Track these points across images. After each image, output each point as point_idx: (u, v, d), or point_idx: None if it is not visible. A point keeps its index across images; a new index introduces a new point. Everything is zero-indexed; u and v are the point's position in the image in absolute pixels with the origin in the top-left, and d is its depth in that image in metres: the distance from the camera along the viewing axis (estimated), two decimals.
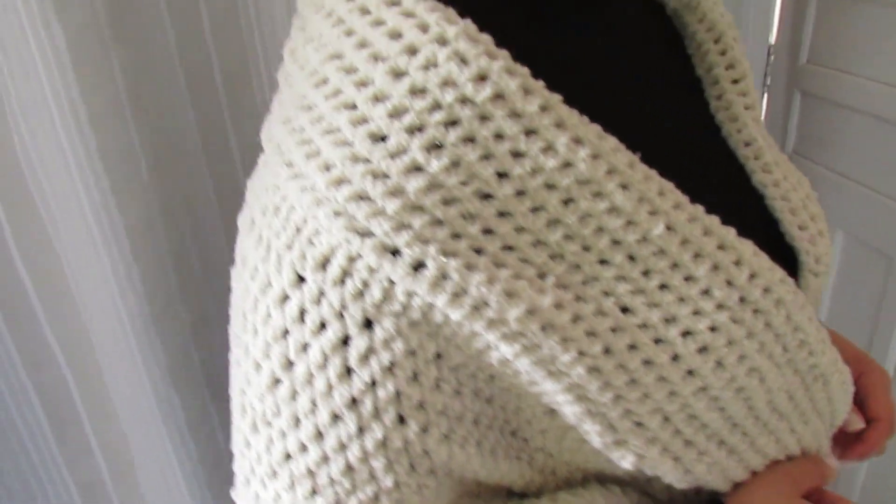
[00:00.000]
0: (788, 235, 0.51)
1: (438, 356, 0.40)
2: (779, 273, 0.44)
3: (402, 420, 0.40)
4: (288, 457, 0.42)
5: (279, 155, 0.41)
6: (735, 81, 0.54)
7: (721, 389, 0.43)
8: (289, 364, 0.40)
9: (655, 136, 0.45)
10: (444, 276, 0.37)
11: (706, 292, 0.42)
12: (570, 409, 0.41)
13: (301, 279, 0.39)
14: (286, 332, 0.40)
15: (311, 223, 0.38)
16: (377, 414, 0.40)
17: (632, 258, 0.41)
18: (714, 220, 0.43)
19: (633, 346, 0.40)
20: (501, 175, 0.38)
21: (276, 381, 0.41)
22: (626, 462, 0.43)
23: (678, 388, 0.41)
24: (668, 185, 0.42)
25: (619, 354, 0.40)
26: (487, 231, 0.38)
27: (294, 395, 0.40)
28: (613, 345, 0.40)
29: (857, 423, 0.57)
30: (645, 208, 0.40)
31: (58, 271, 0.70)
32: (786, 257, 0.51)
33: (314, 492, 0.42)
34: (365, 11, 0.40)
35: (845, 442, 0.58)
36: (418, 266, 0.37)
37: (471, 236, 0.38)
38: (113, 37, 0.70)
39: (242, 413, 0.44)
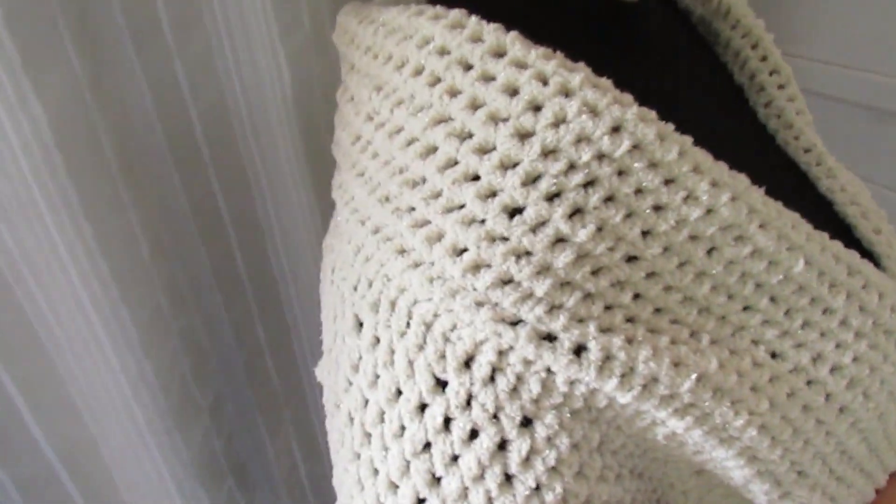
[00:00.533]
0: (865, 241, 0.49)
1: (601, 444, 0.36)
2: (892, 284, 0.43)
3: None
4: None
5: (383, 241, 0.36)
6: (781, 87, 0.52)
7: (868, 421, 0.41)
8: (435, 481, 0.35)
9: (736, 158, 0.42)
10: (608, 357, 0.33)
11: (844, 323, 0.40)
12: (739, 473, 0.38)
13: (441, 383, 0.34)
14: (428, 445, 0.35)
15: (445, 318, 0.34)
16: None
17: (773, 300, 0.38)
18: (839, 246, 0.41)
19: (791, 395, 0.38)
20: (646, 233, 0.35)
21: (420, 502, 0.36)
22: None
23: (833, 428, 0.39)
24: (796, 216, 0.40)
25: (782, 406, 0.37)
26: (637, 296, 0.35)
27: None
28: (776, 397, 0.37)
29: None
30: (784, 246, 0.38)
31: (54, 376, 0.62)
32: None
33: None
34: (467, 66, 0.36)
35: None
36: (579, 350, 0.33)
37: (624, 306, 0.34)
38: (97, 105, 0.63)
39: None
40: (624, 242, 0.34)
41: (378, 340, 0.36)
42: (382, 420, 0.36)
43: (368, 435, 0.37)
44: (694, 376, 0.34)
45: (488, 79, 0.35)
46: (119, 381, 0.67)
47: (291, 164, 0.74)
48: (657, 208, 0.35)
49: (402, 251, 0.35)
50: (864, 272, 0.41)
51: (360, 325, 0.37)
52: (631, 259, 0.35)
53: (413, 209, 0.35)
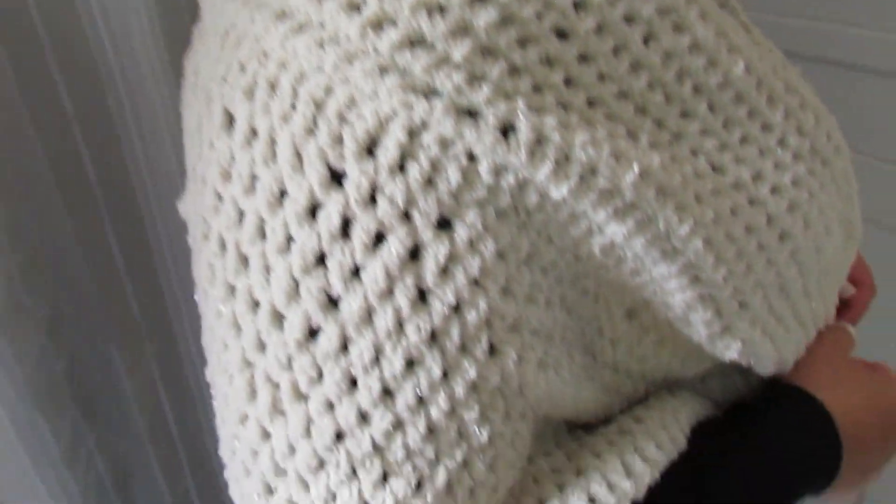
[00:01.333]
0: None
1: (529, 256, 0.30)
2: (833, 119, 0.40)
3: (494, 351, 0.30)
4: (340, 436, 0.29)
5: (257, 8, 0.29)
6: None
7: (807, 252, 0.38)
8: (331, 303, 0.28)
9: None
10: (540, 138, 0.27)
11: (782, 142, 0.37)
12: (681, 297, 0.34)
13: (337, 175, 0.27)
14: (323, 257, 0.28)
15: (340, 91, 0.27)
16: (466, 348, 0.29)
17: (712, 108, 0.34)
18: (779, 57, 0.38)
19: (734, 211, 0.33)
20: (578, 4, 0.29)
21: (314, 333, 0.29)
22: (731, 351, 0.37)
23: (774, 256, 0.36)
24: (733, 21, 0.36)
25: (726, 221, 0.33)
26: (569, 82, 0.29)
27: (345, 344, 0.28)
28: (720, 209, 0.33)
29: (850, 289, 0.56)
30: (724, 45, 0.34)
31: None
32: None
33: (385, 476, 0.30)
34: None
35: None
36: (506, 130, 0.27)
37: (554, 87, 0.29)
38: None
39: (250, 397, 0.31)
40: (554, 10, 0.29)
41: (255, 133, 0.29)
42: (263, 234, 0.29)
43: (245, 258, 0.30)
44: (636, 168, 0.29)
45: None
46: None
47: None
48: None
49: (283, 14, 0.28)
50: (801, 92, 0.39)
51: (232, 119, 0.30)
52: (561, 34, 0.29)
53: None
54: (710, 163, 0.34)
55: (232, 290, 0.30)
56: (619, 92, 0.31)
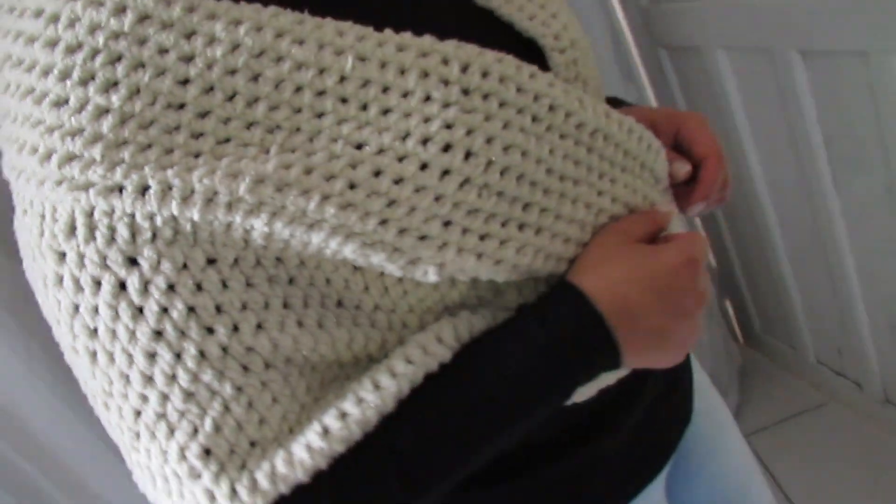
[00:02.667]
0: (522, 30, 0.54)
1: (211, 261, 0.42)
2: (490, 56, 0.46)
3: (209, 330, 0.42)
4: (138, 414, 0.44)
5: (23, 179, 0.44)
6: None
7: (484, 175, 0.45)
8: (93, 332, 0.43)
9: None
10: (167, 187, 0.40)
11: (428, 99, 0.44)
12: (348, 250, 0.43)
13: (62, 255, 0.42)
14: (77, 307, 0.43)
15: (47, 205, 0.42)
16: (183, 334, 0.42)
17: (343, 100, 0.43)
18: (406, 36, 0.45)
19: (378, 172, 0.43)
20: (183, 82, 0.41)
21: (94, 354, 0.43)
22: (431, 275, 0.45)
23: (441, 190, 0.44)
24: (345, 25, 0.45)
25: (366, 183, 0.42)
26: (198, 135, 0.41)
27: (111, 356, 0.43)
28: (356, 177, 0.42)
29: (683, 168, 0.59)
30: (329, 52, 0.43)
31: None
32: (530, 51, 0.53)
33: (171, 431, 0.43)
34: (11, 9, 0.44)
35: (688, 192, 0.60)
36: (144, 190, 0.40)
37: (182, 145, 0.41)
38: None
39: (104, 409, 0.46)
40: (162, 95, 0.41)
41: (33, 251, 0.44)
42: (57, 306, 0.44)
43: (57, 322, 0.45)
44: (248, 179, 0.40)
45: (23, 12, 0.43)
46: None
47: None
48: (185, 59, 0.41)
49: (19, 172, 0.43)
50: (440, 51, 0.45)
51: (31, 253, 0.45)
52: (179, 107, 0.41)
53: (11, 135, 0.43)
54: (355, 142, 0.43)
55: (58, 322, 0.45)
56: (247, 124, 0.42)
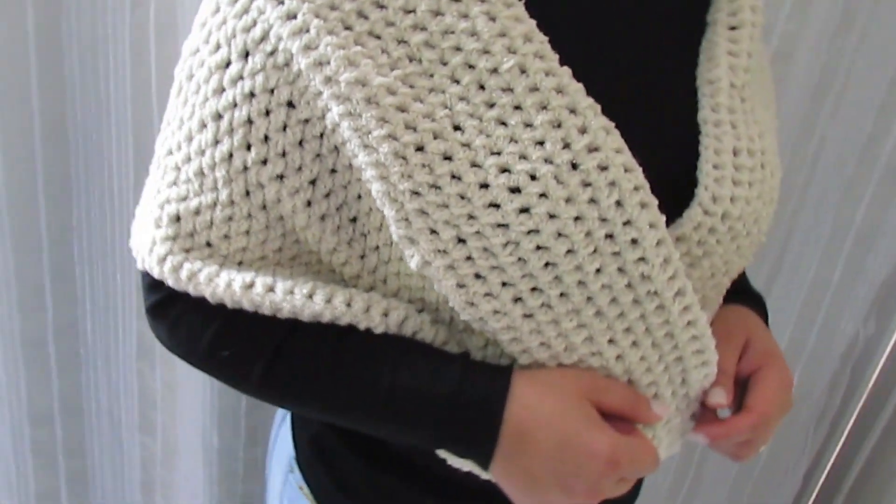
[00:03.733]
0: (699, 170, 0.51)
1: (290, 104, 0.46)
2: (624, 159, 0.45)
3: (248, 146, 0.47)
4: (169, 152, 0.51)
5: None
6: (732, 28, 0.55)
7: (522, 236, 0.44)
8: (189, 77, 0.50)
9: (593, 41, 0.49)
10: (304, 28, 0.44)
11: (540, 143, 0.44)
12: (375, 187, 0.45)
13: (217, 9, 0.48)
14: (194, 51, 0.50)
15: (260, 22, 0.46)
16: (230, 131, 0.47)
17: (481, 87, 0.44)
18: (576, 87, 0.45)
19: (447, 157, 0.44)
20: None
21: (179, 91, 0.50)
22: (413, 261, 0.46)
23: (478, 214, 0.44)
24: (541, 38, 0.45)
25: (430, 156, 0.44)
26: (361, 15, 0.44)
27: (185, 100, 0.50)
28: (428, 146, 0.44)
29: (718, 398, 0.55)
30: (502, 42, 0.44)
31: None
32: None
33: (174, 183, 0.51)
34: None
35: (711, 418, 0.57)
36: (291, 16, 0.44)
37: (344, 11, 0.44)
38: None
39: (160, 142, 0.53)
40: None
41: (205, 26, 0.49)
42: (201, 66, 0.48)
43: (190, 77, 0.49)
44: (355, 74, 0.43)
45: None
46: None
47: None
48: None
49: None
50: (586, 118, 0.45)
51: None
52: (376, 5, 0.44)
53: None
54: (454, 121, 0.44)
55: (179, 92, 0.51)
56: (398, 38, 0.44)
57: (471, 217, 0.44)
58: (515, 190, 0.43)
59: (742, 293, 0.63)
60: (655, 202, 0.46)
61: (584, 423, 0.47)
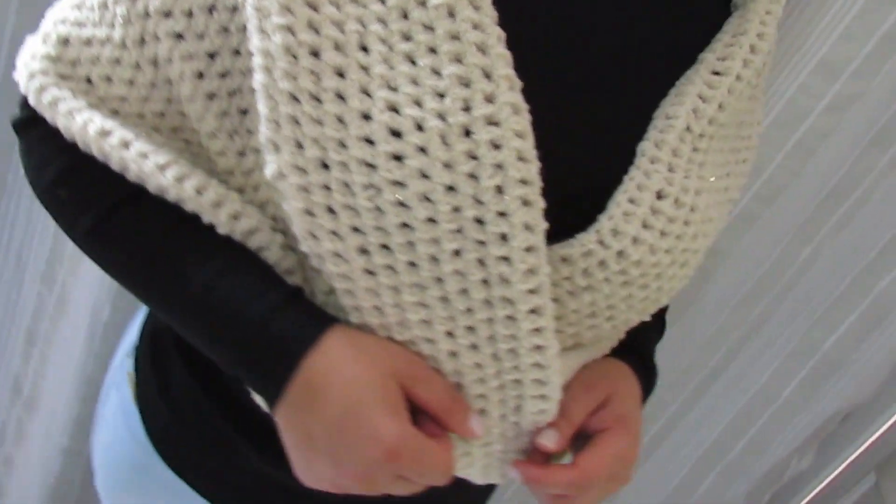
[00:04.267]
0: (612, 199, 0.47)
1: None
2: (521, 146, 0.41)
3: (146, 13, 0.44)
4: None
5: None
6: (716, 73, 0.50)
7: (386, 184, 0.40)
8: None
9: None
10: None
11: (440, 96, 0.40)
12: (256, 78, 0.41)
13: None
14: None
15: None
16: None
17: (404, 15, 0.40)
18: (500, 52, 0.40)
19: (339, 73, 0.40)
20: None
21: None
22: (269, 168, 0.42)
23: (349, 143, 0.40)
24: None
25: (322, 65, 0.40)
26: None
27: None
28: (324, 53, 0.40)
29: (546, 440, 0.50)
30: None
31: None
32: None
33: (79, 6, 0.48)
34: None
35: (538, 460, 0.52)
36: None
37: None
38: None
39: None
40: None
41: None
42: None
43: None
44: None
45: None
46: None
47: None
48: None
49: None
50: (498, 82, 0.40)
51: None
52: None
53: None
54: (361, 39, 0.40)
55: None
56: None
57: (341, 144, 0.40)
58: (396, 133, 0.40)
59: (633, 354, 0.58)
60: (541, 204, 0.42)
61: (378, 403, 0.43)
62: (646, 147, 0.47)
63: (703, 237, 0.50)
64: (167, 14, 0.44)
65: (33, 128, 0.49)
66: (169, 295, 0.47)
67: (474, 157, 0.40)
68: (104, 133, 0.45)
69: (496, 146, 0.40)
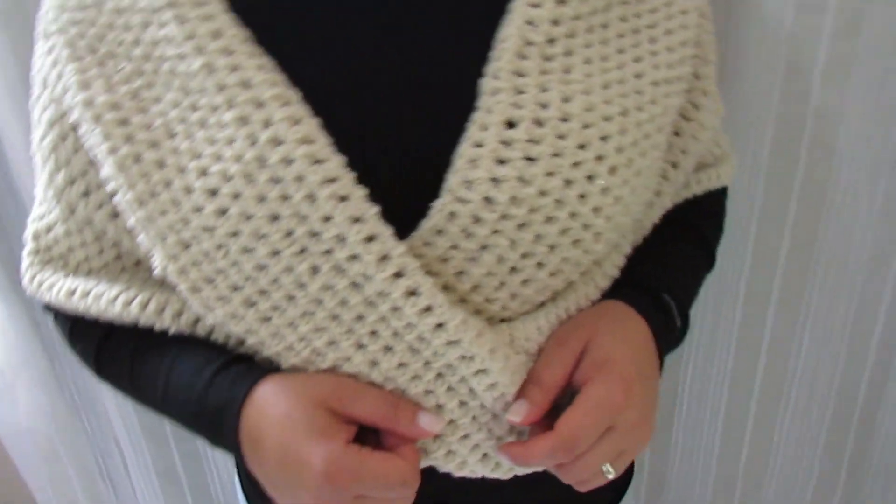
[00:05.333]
0: (455, 152, 0.45)
1: (74, 128, 0.49)
2: (310, 150, 0.42)
3: (58, 168, 0.51)
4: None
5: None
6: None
7: (227, 239, 0.44)
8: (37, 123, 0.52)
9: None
10: (57, 60, 0.48)
11: (232, 142, 0.43)
12: (115, 199, 0.47)
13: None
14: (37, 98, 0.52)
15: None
16: (49, 154, 0.51)
17: (185, 91, 0.45)
18: (262, 79, 0.43)
19: (160, 165, 0.45)
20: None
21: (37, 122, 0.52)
22: (156, 268, 0.47)
23: (189, 218, 0.45)
24: (233, 32, 0.45)
25: (146, 165, 0.45)
26: (100, 38, 0.47)
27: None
28: (144, 155, 0.45)
29: (513, 414, 0.47)
30: (192, 44, 0.44)
31: None
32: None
33: (40, 202, 0.54)
34: None
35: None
36: (51, 50, 0.49)
37: (88, 37, 0.47)
38: None
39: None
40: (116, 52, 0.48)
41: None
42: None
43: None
44: (82, 96, 0.46)
45: None
46: None
47: None
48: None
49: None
50: (270, 112, 0.43)
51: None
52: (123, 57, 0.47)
53: None
54: (168, 129, 0.45)
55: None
56: (126, 55, 0.47)
57: (184, 222, 0.45)
58: (213, 192, 0.43)
59: (631, 287, 0.55)
60: (359, 193, 0.43)
61: (305, 433, 0.44)
62: (484, 83, 0.45)
63: (599, 141, 0.45)
64: (72, 182, 0.50)
65: (48, 308, 0.58)
66: (151, 401, 0.53)
67: (278, 181, 0.42)
68: (70, 292, 0.53)
69: (288, 161, 0.42)
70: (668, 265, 0.58)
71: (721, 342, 0.96)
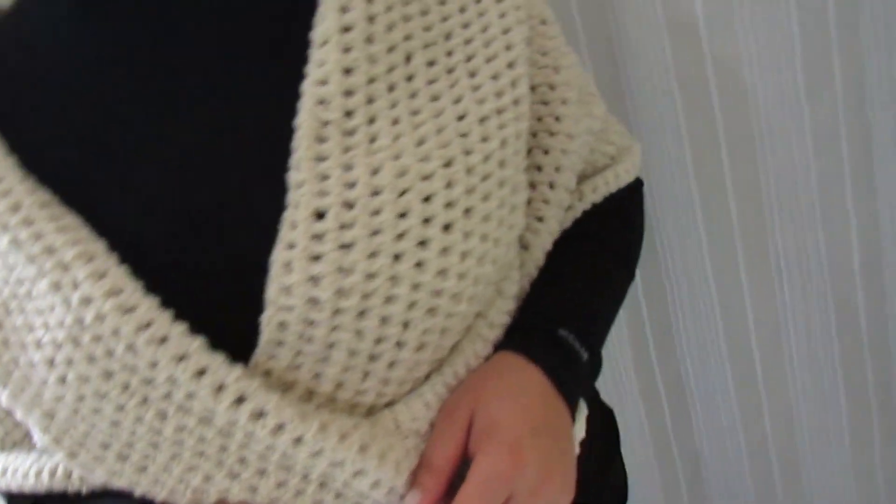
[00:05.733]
0: (271, 257, 0.43)
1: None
2: (118, 302, 0.42)
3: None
4: None
5: None
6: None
7: (77, 404, 0.44)
8: None
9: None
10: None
11: (53, 309, 0.43)
12: None
13: None
14: None
15: None
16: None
17: (9, 268, 0.45)
18: (63, 240, 0.43)
19: (4, 344, 0.46)
20: None
21: None
22: (38, 444, 0.48)
23: (41, 391, 0.45)
24: (31, 200, 0.44)
25: (4, 362, 0.46)
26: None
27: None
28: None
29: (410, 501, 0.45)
30: None
31: None
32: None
33: None
34: None
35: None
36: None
37: None
38: None
39: None
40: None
41: None
42: None
43: None
44: None
45: None
46: None
47: None
48: None
49: None
50: (74, 274, 0.42)
51: None
52: None
53: None
54: (5, 306, 0.46)
55: None
56: None
57: (38, 395, 0.45)
58: (51, 362, 0.44)
59: (521, 332, 0.52)
60: (177, 330, 0.42)
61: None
62: (290, 177, 0.43)
63: (421, 204, 0.43)
64: None
65: None
66: None
67: (99, 338, 0.42)
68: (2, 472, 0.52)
69: (101, 318, 0.41)
70: (565, 295, 0.55)
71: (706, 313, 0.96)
